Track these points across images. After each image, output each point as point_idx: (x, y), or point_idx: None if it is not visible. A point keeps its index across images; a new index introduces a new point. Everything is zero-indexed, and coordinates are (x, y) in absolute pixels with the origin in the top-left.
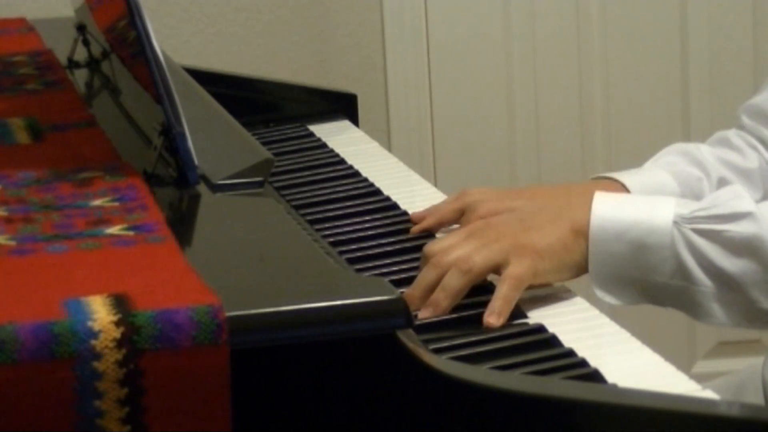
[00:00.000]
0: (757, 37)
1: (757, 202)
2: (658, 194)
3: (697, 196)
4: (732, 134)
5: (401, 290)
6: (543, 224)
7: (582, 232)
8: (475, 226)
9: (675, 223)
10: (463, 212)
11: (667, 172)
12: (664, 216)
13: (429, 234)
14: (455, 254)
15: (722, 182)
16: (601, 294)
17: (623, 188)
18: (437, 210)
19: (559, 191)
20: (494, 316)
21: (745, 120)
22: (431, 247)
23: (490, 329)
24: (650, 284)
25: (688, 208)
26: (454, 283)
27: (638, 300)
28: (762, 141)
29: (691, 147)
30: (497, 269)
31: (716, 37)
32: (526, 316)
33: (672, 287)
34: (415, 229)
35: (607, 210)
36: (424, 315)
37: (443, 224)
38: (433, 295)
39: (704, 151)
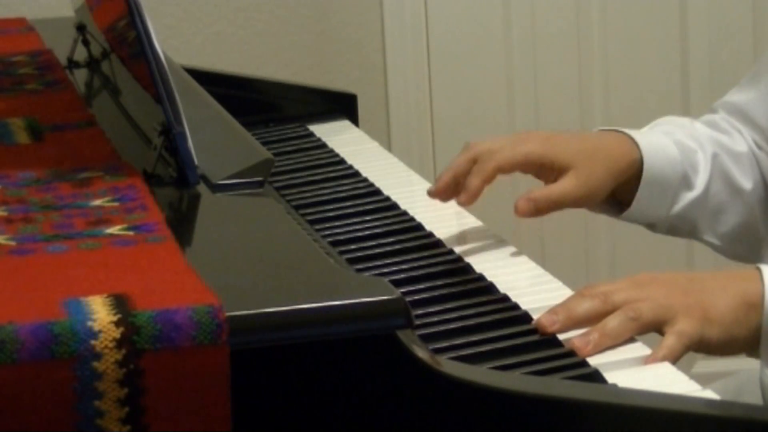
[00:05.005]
0: (757, 37)
1: (747, 188)
2: (663, 158)
3: (693, 167)
4: (718, 118)
5: (401, 290)
6: (715, 290)
7: (755, 306)
8: (640, 277)
9: None
10: (475, 161)
11: (669, 138)
12: None
13: (430, 233)
14: (623, 296)
15: (715, 158)
16: None
17: (633, 143)
18: (450, 166)
19: (583, 139)
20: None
21: (723, 116)
22: (594, 286)
23: (489, 329)
24: None
25: None
26: (618, 327)
27: None
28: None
29: (686, 121)
30: (662, 326)
31: (716, 37)
32: (531, 319)
33: None
34: (432, 191)
35: None
36: (581, 344)
37: (458, 176)
38: (593, 335)
39: (698, 126)
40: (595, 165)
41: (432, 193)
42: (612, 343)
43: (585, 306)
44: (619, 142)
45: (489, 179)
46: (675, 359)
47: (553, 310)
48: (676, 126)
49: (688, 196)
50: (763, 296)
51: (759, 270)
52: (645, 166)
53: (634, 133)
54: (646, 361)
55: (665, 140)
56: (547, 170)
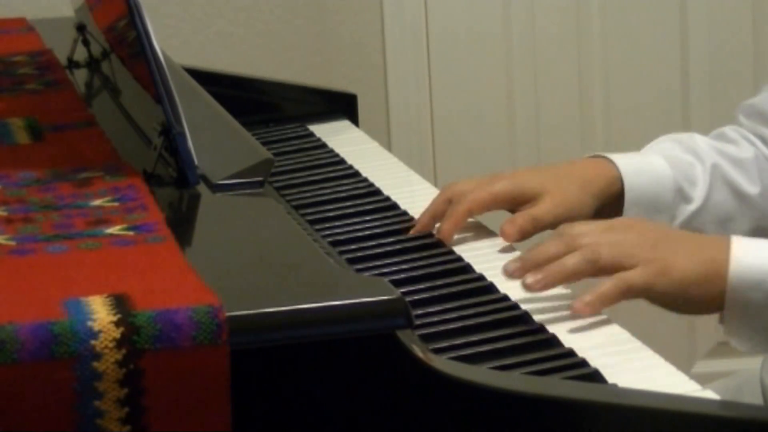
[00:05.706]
0: (757, 37)
1: (753, 193)
2: (649, 176)
3: (690, 181)
4: (728, 129)
5: (401, 290)
6: (683, 253)
7: (720, 275)
8: (619, 221)
9: None
10: (450, 201)
11: (661, 156)
12: None
13: (429, 234)
14: (587, 239)
15: (715, 168)
16: (734, 342)
17: (611, 164)
18: (428, 207)
19: (552, 166)
20: (581, 304)
21: (743, 120)
22: (568, 227)
23: (489, 329)
24: None
25: None
26: (572, 264)
27: None
28: (761, 138)
29: (685, 136)
30: (618, 271)
31: (716, 37)
32: (531, 319)
33: None
34: (413, 231)
35: (748, 258)
36: (532, 280)
37: (436, 217)
38: (549, 266)
39: (698, 139)
40: (567, 185)
41: (412, 233)
42: (563, 281)
43: (550, 250)
44: (592, 164)
45: (460, 223)
46: (605, 304)
47: (519, 257)
48: (673, 142)
49: (688, 209)
50: (726, 268)
51: (729, 241)
52: (626, 185)
53: (615, 155)
54: (575, 306)
55: (655, 158)
56: (519, 202)
